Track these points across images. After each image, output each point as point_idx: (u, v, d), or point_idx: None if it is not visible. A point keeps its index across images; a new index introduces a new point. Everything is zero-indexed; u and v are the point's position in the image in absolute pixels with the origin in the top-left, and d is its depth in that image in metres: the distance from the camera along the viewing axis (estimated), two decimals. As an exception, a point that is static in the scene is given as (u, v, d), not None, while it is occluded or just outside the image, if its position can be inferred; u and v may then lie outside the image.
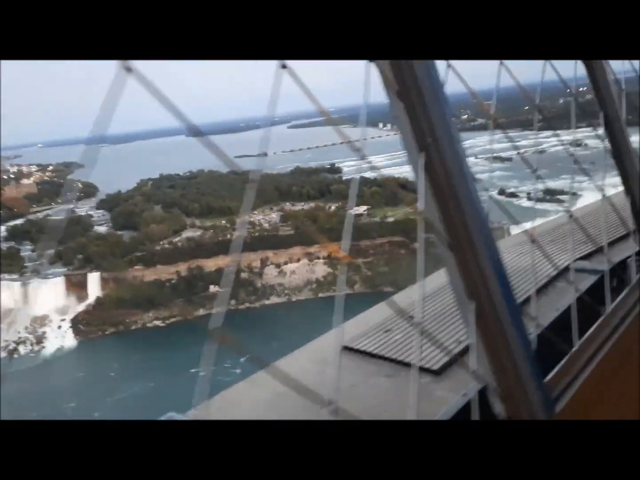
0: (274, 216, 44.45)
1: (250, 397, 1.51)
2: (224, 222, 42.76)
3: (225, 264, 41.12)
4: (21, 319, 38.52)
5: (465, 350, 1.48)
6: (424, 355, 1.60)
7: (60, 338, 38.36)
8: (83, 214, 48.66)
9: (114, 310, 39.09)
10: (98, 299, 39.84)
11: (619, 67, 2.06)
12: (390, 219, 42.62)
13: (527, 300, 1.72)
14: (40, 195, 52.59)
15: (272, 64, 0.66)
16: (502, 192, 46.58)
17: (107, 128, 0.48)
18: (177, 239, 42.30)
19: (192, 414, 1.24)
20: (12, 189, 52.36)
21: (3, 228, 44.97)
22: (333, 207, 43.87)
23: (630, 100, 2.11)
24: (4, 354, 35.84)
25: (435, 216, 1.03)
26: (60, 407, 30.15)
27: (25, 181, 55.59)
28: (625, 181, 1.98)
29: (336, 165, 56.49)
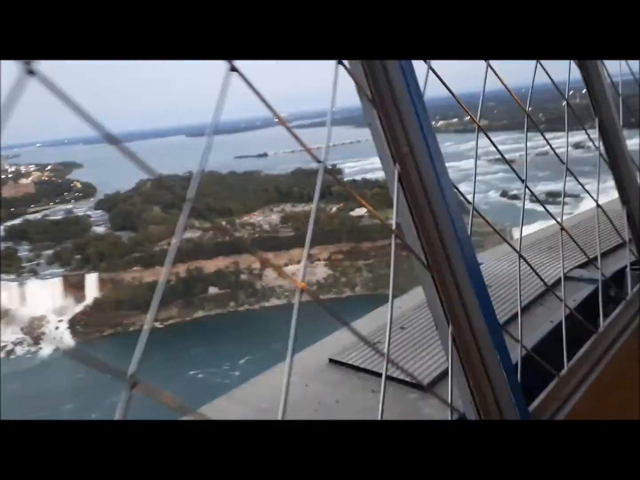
0: (274, 217, 44.49)
1: (228, 416, 1.41)
2: (223, 223, 42.85)
3: (225, 265, 41.20)
4: (18, 320, 38.44)
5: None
6: (414, 369, 1.54)
7: (58, 339, 38.29)
8: (81, 214, 48.66)
9: (112, 311, 39.06)
10: (96, 300, 39.80)
11: (616, 71, 2.02)
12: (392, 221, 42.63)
13: (514, 317, 1.64)
14: (39, 195, 52.57)
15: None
16: (504, 194, 46.63)
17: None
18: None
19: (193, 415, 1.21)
20: (10, 189, 52.29)
21: (1, 228, 44.92)
22: (334, 209, 43.92)
23: (629, 104, 2.06)
24: (2, 355, 35.78)
25: (412, 234, 0.97)
26: (58, 408, 30.11)
27: (23, 181, 55.56)
28: (622, 190, 1.91)
29: (337, 166, 56.76)
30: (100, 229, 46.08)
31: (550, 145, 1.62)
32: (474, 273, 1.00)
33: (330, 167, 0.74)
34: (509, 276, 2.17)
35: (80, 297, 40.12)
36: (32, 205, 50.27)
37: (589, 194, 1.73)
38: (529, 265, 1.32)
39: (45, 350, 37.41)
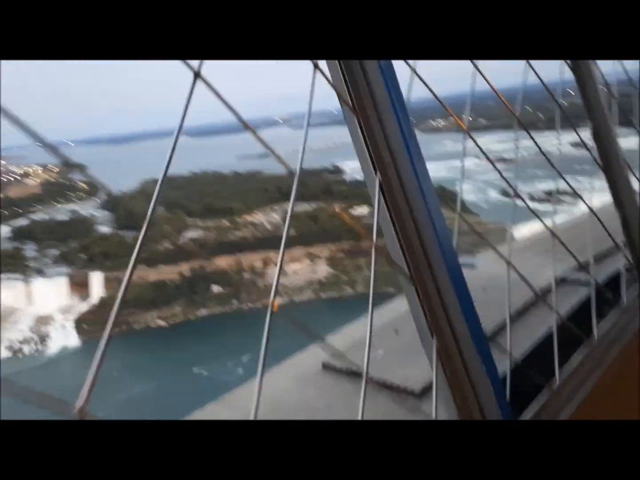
0: (276, 216, 44.44)
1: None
2: (225, 222, 42.87)
3: (227, 263, 41.20)
4: (25, 319, 38.64)
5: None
6: (408, 375, 1.51)
7: (64, 338, 38.45)
8: (86, 214, 48.81)
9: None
10: (101, 299, 39.90)
11: (611, 74, 1.97)
12: (393, 219, 42.46)
13: (511, 320, 1.59)
14: (44, 195, 52.77)
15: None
16: (505, 193, 46.35)
17: None
18: (180, 239, 42.36)
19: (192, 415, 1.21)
20: (16, 189, 52.53)
21: (8, 228, 45.12)
22: (336, 209, 43.82)
23: (624, 104, 2.00)
24: (9, 354, 35.95)
25: (394, 245, 0.94)
26: (63, 407, 30.25)
27: (29, 181, 55.79)
28: (615, 194, 1.84)
29: (338, 166, 56.62)
30: (104, 229, 46.21)
31: (541, 150, 1.60)
32: (457, 282, 0.98)
33: (331, 167, 0.74)
34: (506, 278, 2.14)
35: (86, 296, 40.26)
36: (37, 206, 50.49)
37: (582, 200, 1.71)
38: (519, 273, 1.28)
39: (52, 348, 37.58)
